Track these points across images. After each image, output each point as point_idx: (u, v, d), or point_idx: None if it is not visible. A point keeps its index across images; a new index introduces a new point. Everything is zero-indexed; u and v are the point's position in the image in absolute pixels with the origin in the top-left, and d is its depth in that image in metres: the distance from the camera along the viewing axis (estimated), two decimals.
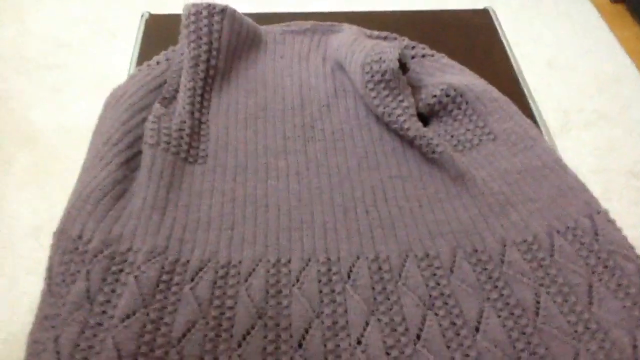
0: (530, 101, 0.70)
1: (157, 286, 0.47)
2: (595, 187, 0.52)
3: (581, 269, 0.48)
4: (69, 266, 0.48)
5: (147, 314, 0.45)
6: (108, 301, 0.46)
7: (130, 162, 0.57)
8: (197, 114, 0.63)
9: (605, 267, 0.48)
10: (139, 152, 0.58)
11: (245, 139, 0.62)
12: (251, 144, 0.61)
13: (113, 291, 0.47)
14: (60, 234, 0.50)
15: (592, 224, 0.51)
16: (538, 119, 0.67)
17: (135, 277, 0.47)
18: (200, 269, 0.49)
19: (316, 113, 0.65)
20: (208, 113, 0.64)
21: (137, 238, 0.50)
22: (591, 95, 0.69)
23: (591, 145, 0.62)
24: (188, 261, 0.50)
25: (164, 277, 0.48)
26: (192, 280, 0.49)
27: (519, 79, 0.74)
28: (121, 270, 0.48)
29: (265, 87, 0.68)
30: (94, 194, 0.53)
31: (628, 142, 0.61)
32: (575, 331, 0.45)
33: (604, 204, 0.52)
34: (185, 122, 0.61)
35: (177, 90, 0.65)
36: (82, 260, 0.48)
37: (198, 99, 0.64)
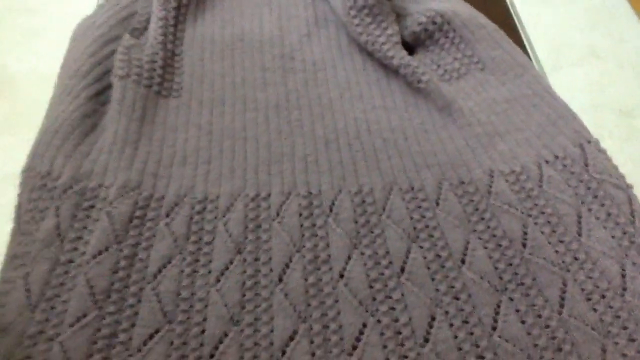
0: (522, 35, 0.67)
1: (131, 222, 0.45)
2: (586, 124, 0.50)
3: (570, 199, 0.47)
4: (38, 203, 0.46)
5: (121, 250, 0.44)
6: (79, 238, 0.44)
7: (100, 95, 0.54)
8: (169, 46, 0.59)
9: (595, 196, 0.47)
10: (109, 86, 0.55)
11: (221, 71, 0.58)
12: (228, 76, 0.58)
13: (84, 227, 0.45)
14: (28, 171, 0.48)
15: (582, 153, 0.49)
16: (530, 53, 0.64)
17: (107, 212, 0.45)
18: (176, 204, 0.47)
19: (296, 43, 0.61)
20: (182, 44, 0.60)
21: (108, 173, 0.48)
22: (583, 30, 0.66)
23: (583, 81, 0.59)
24: (163, 196, 0.48)
25: (138, 213, 0.46)
26: (168, 215, 0.46)
27: (511, 11, 0.71)
28: (92, 207, 0.46)
29: (242, 17, 0.64)
30: (62, 128, 0.50)
31: (620, 78, 0.59)
32: (563, 261, 0.43)
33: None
34: (157, 53, 0.57)
35: (148, 21, 0.61)
36: (51, 196, 0.46)
37: (171, 29, 0.60)
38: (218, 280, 0.43)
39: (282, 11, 0.65)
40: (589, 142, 0.50)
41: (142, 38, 0.59)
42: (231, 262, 0.44)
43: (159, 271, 0.43)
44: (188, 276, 0.43)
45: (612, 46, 0.64)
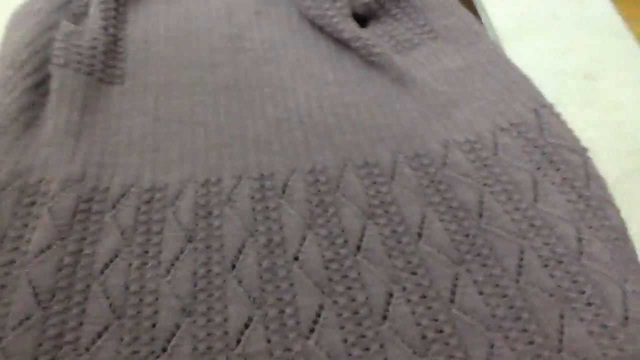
0: (479, 3, 0.65)
1: (75, 216, 0.44)
2: (548, 91, 0.50)
3: (526, 166, 0.46)
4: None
5: (65, 247, 0.42)
6: (20, 236, 0.42)
7: (39, 87, 0.52)
8: (111, 30, 0.57)
9: (550, 161, 0.46)
10: (48, 76, 0.52)
11: (167, 54, 0.56)
12: (174, 58, 0.56)
13: (25, 225, 0.43)
14: None
15: (537, 119, 0.48)
16: (487, 23, 0.63)
17: (49, 208, 0.43)
18: (122, 195, 0.45)
19: (244, 22, 0.59)
20: (124, 28, 0.58)
21: (49, 167, 0.46)
22: None
23: (545, 47, 0.58)
24: (108, 188, 0.46)
25: (82, 207, 0.44)
26: (114, 207, 0.45)
27: None
28: (33, 203, 0.44)
29: None
30: (1, 123, 0.48)
31: (582, 43, 0.58)
32: (520, 229, 0.43)
33: (559, 107, 0.50)
34: (97, 39, 0.55)
35: (87, 6, 0.59)
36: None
37: (112, 13, 0.58)
38: (168, 271, 0.42)
39: None
40: (544, 106, 0.49)
41: (81, 24, 0.57)
42: (182, 252, 0.43)
43: (106, 266, 0.41)
44: (137, 269, 0.42)
45: (574, 10, 0.63)
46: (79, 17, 0.58)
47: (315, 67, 0.55)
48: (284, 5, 0.61)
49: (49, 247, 0.41)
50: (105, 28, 0.56)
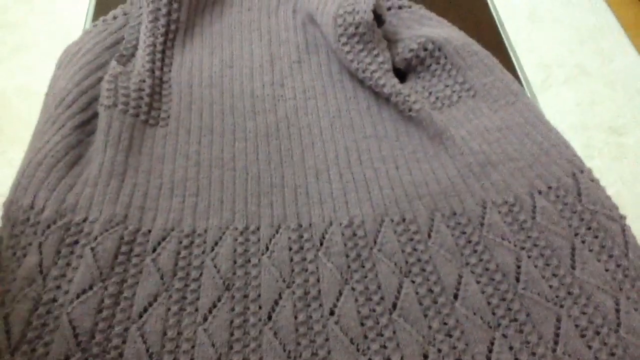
0: (511, 55, 0.67)
1: (116, 258, 0.44)
2: (576, 144, 0.49)
3: (563, 231, 0.46)
4: (20, 239, 0.45)
5: (105, 288, 0.42)
6: (63, 275, 0.43)
7: (86, 125, 0.53)
8: (157, 73, 0.58)
9: (589, 228, 0.46)
10: (95, 115, 0.54)
11: (210, 99, 0.58)
12: (217, 104, 0.57)
13: (68, 264, 0.43)
14: (10, 205, 0.47)
15: (575, 183, 0.49)
16: (519, 73, 0.64)
17: (92, 248, 0.44)
18: (163, 239, 0.46)
19: (286, 70, 0.61)
20: (170, 71, 0.60)
21: (93, 207, 0.47)
22: (572, 49, 0.66)
23: (572, 100, 0.59)
24: (149, 231, 0.47)
25: (123, 249, 0.45)
26: (154, 251, 0.45)
27: (500, 31, 0.71)
28: (76, 242, 0.45)
29: (231, 43, 0.63)
30: (46, 160, 0.49)
31: (609, 96, 0.59)
32: (557, 296, 0.43)
33: (585, 160, 0.50)
34: (144, 81, 0.56)
35: (135, 47, 0.61)
36: (34, 232, 0.45)
37: (159, 56, 0.60)
38: (205, 319, 0.42)
39: (272, 36, 0.64)
40: (582, 171, 0.49)
41: (129, 65, 0.59)
42: (219, 300, 0.43)
43: (145, 310, 0.42)
44: (175, 315, 0.42)
45: (601, 65, 0.64)
46: (126, 58, 0.59)
47: (354, 118, 0.56)
48: (325, 55, 0.62)
49: (90, 287, 0.42)
50: (152, 70, 0.58)
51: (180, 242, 0.46)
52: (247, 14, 0.67)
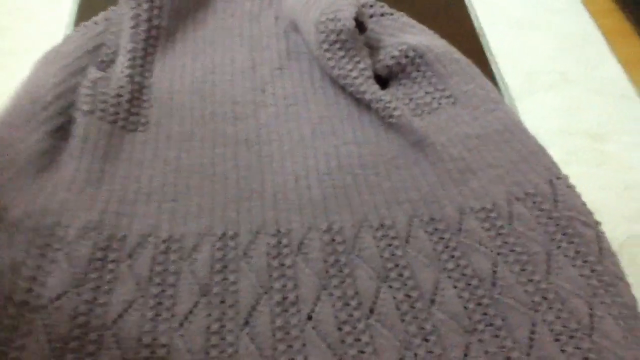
0: (490, 62, 0.67)
1: (90, 264, 0.44)
2: (557, 150, 0.50)
3: (539, 237, 0.46)
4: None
5: (80, 295, 0.42)
6: (33, 278, 0.42)
7: (60, 131, 0.53)
8: (137, 78, 0.58)
9: (564, 234, 0.46)
10: (71, 120, 0.53)
11: (191, 105, 0.58)
12: (197, 109, 0.57)
13: (39, 267, 0.43)
14: None
15: (552, 190, 0.49)
16: (500, 81, 0.65)
17: (66, 254, 0.44)
18: (139, 245, 0.46)
19: (268, 76, 0.61)
20: (150, 77, 0.60)
21: (66, 212, 0.47)
22: (555, 56, 0.67)
23: (554, 107, 0.60)
24: (125, 236, 0.46)
25: (98, 254, 0.45)
26: (130, 257, 0.45)
27: (481, 39, 0.71)
28: (47, 245, 0.44)
29: (213, 48, 0.64)
30: (18, 161, 0.49)
31: (591, 104, 0.60)
32: (533, 301, 0.43)
33: (565, 167, 0.51)
34: (123, 87, 0.56)
35: (116, 53, 0.61)
36: (3, 228, 0.44)
37: (139, 62, 0.59)
38: (181, 325, 0.42)
39: (254, 43, 0.65)
40: (558, 178, 0.50)
41: (108, 71, 0.58)
42: (196, 305, 0.43)
43: (120, 316, 0.42)
44: (150, 320, 0.42)
45: (583, 72, 0.65)
46: (106, 64, 0.59)
47: (335, 125, 0.56)
48: (307, 62, 0.63)
49: (65, 293, 0.42)
50: (132, 76, 0.57)
51: (157, 248, 0.46)
52: (230, 20, 0.67)
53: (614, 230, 0.48)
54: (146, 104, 0.57)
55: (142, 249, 0.46)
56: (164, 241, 0.46)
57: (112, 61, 0.60)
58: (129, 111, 0.55)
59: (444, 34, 0.64)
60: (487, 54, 0.68)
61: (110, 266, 0.44)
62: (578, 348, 0.41)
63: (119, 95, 0.55)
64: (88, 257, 0.44)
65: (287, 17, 0.66)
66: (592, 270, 0.45)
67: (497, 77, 0.65)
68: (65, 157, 0.51)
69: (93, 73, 0.56)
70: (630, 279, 0.45)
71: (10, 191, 0.46)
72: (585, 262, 0.45)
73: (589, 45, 0.69)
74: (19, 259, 0.43)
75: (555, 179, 0.50)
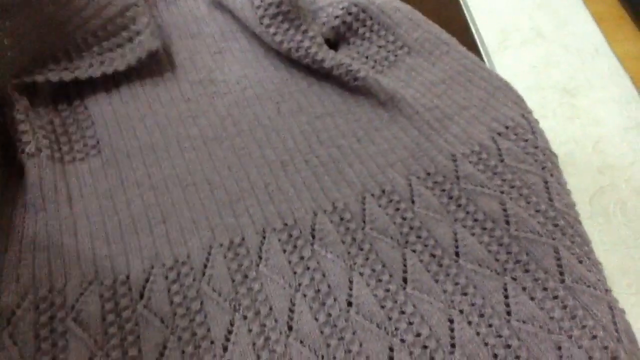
0: (468, 19, 0.67)
1: (105, 319, 0.39)
2: (530, 104, 0.52)
3: (532, 167, 0.48)
4: None
5: (108, 355, 0.38)
6: (53, 359, 0.37)
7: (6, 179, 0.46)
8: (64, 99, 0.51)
9: (551, 162, 0.48)
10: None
11: (137, 112, 0.52)
12: (147, 116, 0.52)
13: (54, 345, 0.38)
14: None
15: (528, 123, 0.51)
16: (476, 35, 0.65)
17: (74, 319, 0.39)
18: (146, 281, 0.42)
19: (210, 63, 0.56)
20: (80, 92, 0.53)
21: (55, 274, 0.41)
22: (528, 13, 0.68)
23: (527, 62, 0.61)
24: (128, 276, 0.42)
25: (108, 306, 0.40)
26: (142, 296, 0.41)
27: None
28: (52, 318, 0.39)
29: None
30: None
31: (564, 59, 0.62)
32: (547, 230, 0.45)
33: (540, 120, 0.52)
34: (55, 110, 0.49)
35: None
36: None
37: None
38: (225, 349, 0.39)
39: (181, 31, 0.59)
40: (529, 112, 0.51)
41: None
42: (232, 324, 0.40)
43: None
44: (192, 356, 0.39)
45: (557, 28, 0.66)
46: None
47: (300, 100, 0.54)
48: (245, 40, 0.58)
49: None
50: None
51: (167, 278, 0.42)
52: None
53: (584, 182, 0.50)
54: (84, 122, 0.51)
55: (152, 284, 0.41)
56: (170, 268, 0.42)
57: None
58: (70, 138, 0.49)
59: None
60: (463, 9, 0.68)
61: (125, 314, 0.40)
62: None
63: (50, 123, 0.49)
64: (99, 313, 0.39)
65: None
66: None
67: (474, 32, 0.65)
68: (22, 212, 0.44)
69: (20, 101, 0.48)
70: (600, 227, 0.48)
71: None
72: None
73: (562, 1, 0.70)
74: (31, 349, 0.37)
75: (526, 113, 0.51)
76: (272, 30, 0.55)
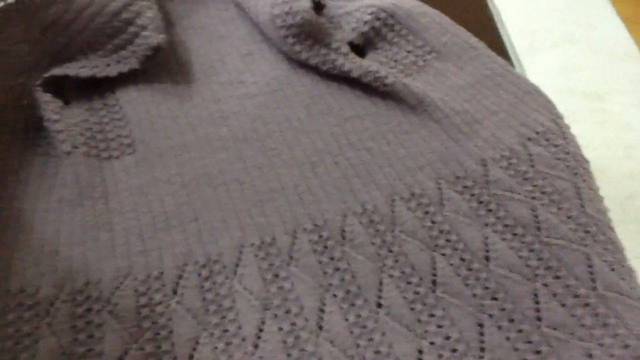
0: (498, 22, 0.67)
1: (139, 313, 0.40)
2: (560, 108, 0.52)
3: (563, 173, 0.48)
4: (18, 326, 0.39)
5: (142, 348, 0.38)
6: (90, 350, 0.38)
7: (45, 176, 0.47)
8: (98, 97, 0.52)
9: (584, 168, 0.48)
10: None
11: (170, 113, 0.53)
12: (180, 117, 0.53)
13: (90, 337, 0.38)
14: None
15: (559, 128, 0.50)
16: (506, 40, 0.65)
17: (110, 312, 0.39)
18: (180, 277, 0.42)
19: (240, 64, 0.57)
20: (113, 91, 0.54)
21: (91, 267, 0.42)
22: (557, 16, 0.68)
23: (556, 67, 0.61)
24: (162, 273, 0.42)
25: (142, 301, 0.41)
26: (175, 292, 0.41)
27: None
28: (89, 310, 0.40)
29: (170, 48, 0.58)
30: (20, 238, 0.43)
31: (593, 63, 0.61)
32: (579, 237, 0.45)
33: (570, 125, 0.52)
34: (90, 109, 0.50)
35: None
36: (35, 314, 0.39)
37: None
38: (256, 346, 0.39)
39: (211, 32, 0.60)
40: (560, 117, 0.51)
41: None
42: (263, 322, 0.41)
43: (191, 357, 0.38)
44: (223, 352, 0.39)
45: (587, 32, 0.66)
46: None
47: (329, 102, 0.54)
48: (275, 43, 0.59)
49: (126, 353, 0.38)
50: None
51: (200, 275, 0.43)
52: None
53: (615, 189, 0.50)
54: (119, 122, 0.52)
55: (185, 281, 0.42)
56: (203, 266, 0.43)
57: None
58: (106, 135, 0.50)
59: None
60: (492, 12, 0.68)
61: (159, 309, 0.40)
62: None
63: (86, 120, 0.50)
64: (134, 307, 0.40)
65: (233, 1, 0.62)
66: None
67: (503, 35, 0.65)
68: (58, 209, 0.45)
69: (51, 101, 0.49)
70: (632, 236, 0.47)
71: (30, 270, 0.41)
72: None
73: (591, 5, 0.70)
74: (68, 339, 0.38)
75: (557, 118, 0.51)
76: (297, 48, 0.55)
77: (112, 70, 0.53)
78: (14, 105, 0.49)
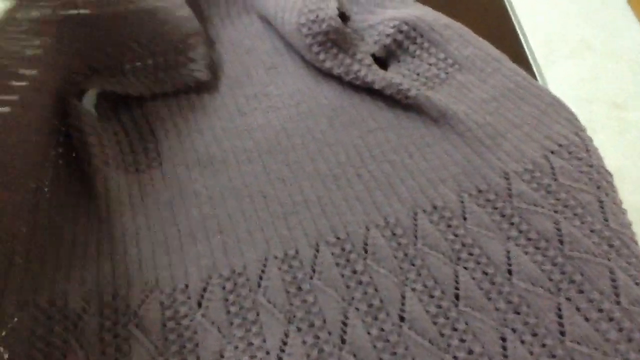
0: (517, 29, 0.67)
1: (165, 326, 0.41)
2: (580, 117, 0.52)
3: (586, 186, 0.48)
4: (48, 340, 0.40)
5: None
6: None
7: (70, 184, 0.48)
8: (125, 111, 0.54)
9: (607, 181, 0.48)
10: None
11: (196, 126, 0.54)
12: (206, 130, 0.54)
13: (118, 350, 0.39)
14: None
15: (582, 141, 0.50)
16: (525, 47, 0.65)
17: (137, 325, 0.40)
18: (205, 290, 0.43)
19: (265, 78, 0.58)
20: (141, 105, 0.55)
21: (118, 281, 0.43)
22: (576, 23, 0.67)
23: (576, 75, 0.60)
24: (187, 285, 0.43)
25: (168, 314, 0.41)
26: (200, 305, 0.42)
27: (507, 5, 0.70)
28: (116, 323, 0.41)
29: None
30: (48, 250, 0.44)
31: (612, 71, 0.61)
32: (602, 251, 0.44)
33: (589, 134, 0.52)
34: (119, 122, 0.52)
35: None
36: (64, 328, 0.40)
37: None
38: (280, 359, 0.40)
39: (236, 45, 0.61)
40: (582, 130, 0.51)
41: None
42: (286, 335, 0.41)
43: None
44: None
45: (606, 40, 0.65)
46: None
47: (352, 114, 0.55)
48: (298, 55, 0.60)
49: None
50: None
51: (224, 288, 0.43)
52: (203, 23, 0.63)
53: (635, 198, 0.49)
54: (147, 135, 0.53)
55: (210, 294, 0.43)
56: (227, 279, 0.44)
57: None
58: (133, 148, 0.51)
59: (470, 6, 0.63)
60: (513, 20, 0.68)
61: (184, 322, 0.41)
62: None
63: (115, 134, 0.51)
64: (160, 320, 0.41)
65: (261, 14, 0.63)
66: None
67: (523, 42, 0.65)
68: (90, 221, 0.46)
69: (87, 114, 0.51)
70: None
71: (58, 284, 0.42)
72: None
73: (611, 11, 0.69)
74: (96, 353, 0.39)
75: (580, 131, 0.51)
76: (321, 57, 0.56)
77: (146, 91, 0.55)
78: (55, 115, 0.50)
